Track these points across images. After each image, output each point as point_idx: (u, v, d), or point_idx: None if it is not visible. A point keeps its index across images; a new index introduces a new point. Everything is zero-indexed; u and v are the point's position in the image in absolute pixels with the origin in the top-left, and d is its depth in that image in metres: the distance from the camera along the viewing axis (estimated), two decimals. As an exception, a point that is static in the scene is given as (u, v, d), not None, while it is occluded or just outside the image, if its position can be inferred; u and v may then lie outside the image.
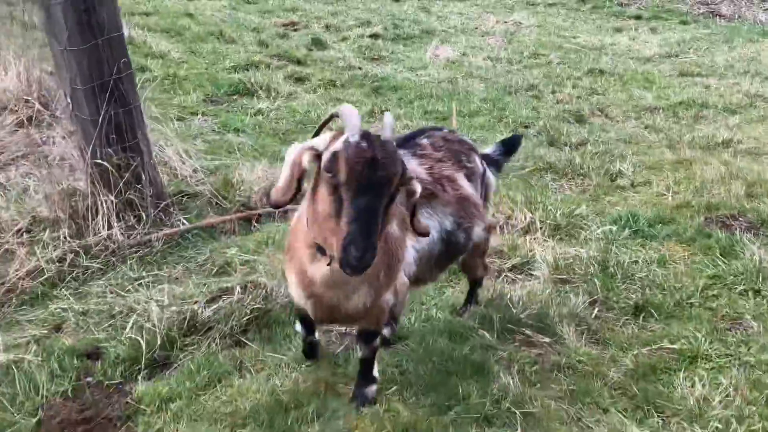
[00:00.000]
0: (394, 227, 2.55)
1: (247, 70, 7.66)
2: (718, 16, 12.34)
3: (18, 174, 4.57)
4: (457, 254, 3.06)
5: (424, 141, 3.01)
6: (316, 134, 2.38)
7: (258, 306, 3.46)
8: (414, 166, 2.79)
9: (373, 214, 2.01)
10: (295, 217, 2.58)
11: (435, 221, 2.80)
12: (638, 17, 12.42)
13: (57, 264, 3.88)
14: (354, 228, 1.97)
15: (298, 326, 3.14)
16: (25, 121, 5.38)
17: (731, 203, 4.77)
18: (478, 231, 3.05)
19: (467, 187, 2.97)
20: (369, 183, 2.00)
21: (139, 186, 4.27)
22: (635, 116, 7.06)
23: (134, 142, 4.22)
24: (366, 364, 2.93)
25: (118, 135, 4.14)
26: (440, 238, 2.84)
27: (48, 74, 5.69)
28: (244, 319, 3.40)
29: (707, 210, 4.71)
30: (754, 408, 2.95)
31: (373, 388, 2.96)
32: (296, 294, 2.59)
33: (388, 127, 2.20)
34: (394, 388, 3.01)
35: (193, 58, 8.03)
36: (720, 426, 2.84)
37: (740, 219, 4.60)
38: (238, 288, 3.54)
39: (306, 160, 2.16)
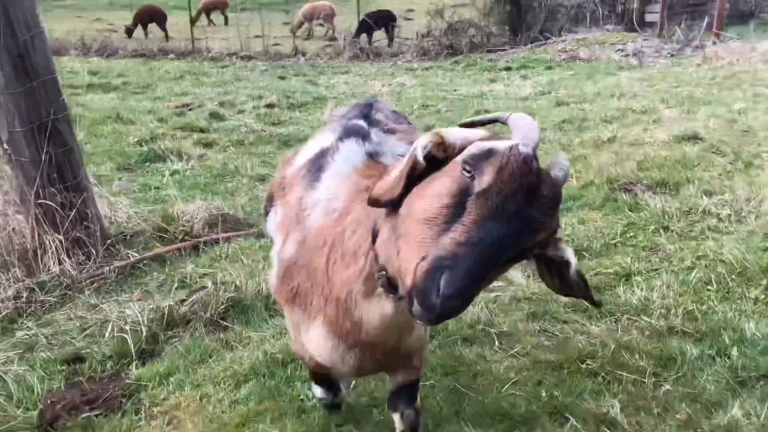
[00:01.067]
0: None
1: (154, 141, 7.96)
2: (577, 60, 13.97)
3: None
4: None
5: (380, 116, 2.52)
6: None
7: (231, 295, 3.73)
8: (394, 143, 2.24)
9: (500, 252, 1.45)
10: (310, 240, 2.03)
11: None
12: (508, 68, 13.83)
13: (13, 301, 3.97)
14: (468, 253, 1.41)
15: (318, 390, 2.59)
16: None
17: (628, 175, 5.55)
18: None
19: None
20: (516, 211, 1.45)
21: (85, 223, 4.47)
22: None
23: (76, 181, 4.45)
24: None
25: (59, 175, 4.36)
26: None
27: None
28: (221, 307, 3.66)
29: (609, 183, 5.45)
30: (686, 297, 3.53)
31: None
32: (322, 349, 2.05)
33: (562, 167, 1.60)
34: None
35: (95, 139, 8.23)
36: (662, 311, 3.40)
37: (638, 185, 5.36)
38: (210, 283, 3.80)
39: (421, 147, 1.61)
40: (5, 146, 4.29)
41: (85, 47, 15.48)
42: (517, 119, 1.66)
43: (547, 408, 2.74)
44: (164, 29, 18.71)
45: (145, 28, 18.64)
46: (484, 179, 1.47)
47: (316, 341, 2.04)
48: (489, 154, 1.50)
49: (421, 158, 1.59)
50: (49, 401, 2.96)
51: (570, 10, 16.30)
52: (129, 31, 18.18)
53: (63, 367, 3.28)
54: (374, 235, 1.74)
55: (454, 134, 1.64)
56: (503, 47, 15.84)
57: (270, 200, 2.46)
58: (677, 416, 2.62)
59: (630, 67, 12.89)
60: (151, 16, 18.66)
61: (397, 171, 1.67)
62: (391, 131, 2.29)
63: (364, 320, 1.84)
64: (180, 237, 4.87)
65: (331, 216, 1.97)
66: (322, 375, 2.37)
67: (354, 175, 2.02)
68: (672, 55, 13.79)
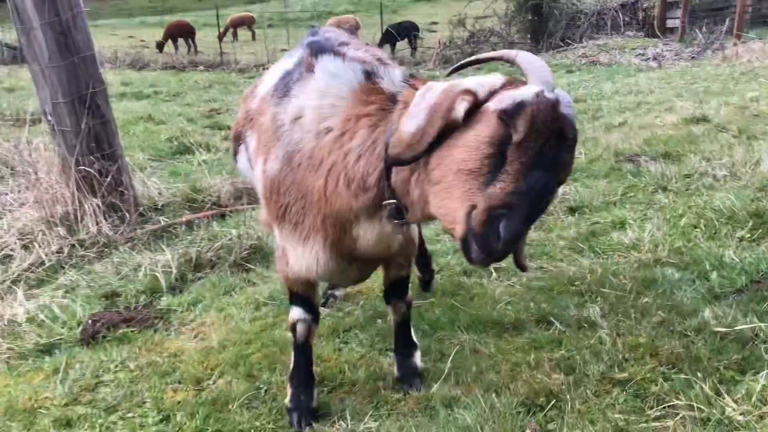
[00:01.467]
0: None
1: (184, 137, 8.43)
2: (598, 64, 14.25)
3: (9, 188, 5.10)
4: None
5: (330, 34, 2.49)
6: (453, 72, 2.13)
7: (253, 243, 4.10)
8: (355, 54, 2.26)
9: (546, 196, 1.66)
10: (302, 169, 2.12)
11: None
12: (529, 73, 14.16)
13: (56, 255, 4.40)
14: (520, 201, 1.59)
15: (297, 311, 2.52)
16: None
17: (633, 149, 5.83)
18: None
19: None
20: (554, 155, 1.64)
21: (120, 189, 4.89)
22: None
23: (111, 151, 4.89)
24: (404, 326, 2.70)
25: (97, 144, 4.80)
26: None
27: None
28: (244, 252, 4.03)
29: (615, 155, 5.74)
30: (675, 237, 3.81)
31: (418, 354, 2.73)
32: (316, 265, 2.21)
33: (568, 105, 1.70)
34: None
35: (127, 136, 8.73)
36: (650, 246, 3.68)
37: (642, 156, 5.64)
38: (233, 231, 4.18)
39: (462, 108, 1.71)
40: (49, 117, 4.75)
41: (118, 61, 16.25)
42: (527, 60, 1.77)
43: (535, 316, 3.05)
44: (194, 43, 19.47)
45: (175, 42, 19.41)
46: (520, 129, 1.60)
47: (309, 257, 2.20)
48: (520, 107, 1.62)
49: (460, 117, 1.71)
50: (90, 320, 3.34)
51: (591, 18, 16.60)
52: (160, 46, 18.97)
53: (101, 301, 3.67)
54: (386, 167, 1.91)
55: (482, 86, 1.75)
56: (525, 55, 16.17)
57: (237, 138, 2.56)
58: (653, 319, 2.90)
59: (649, 69, 13.13)
60: (180, 31, 19.47)
61: (414, 126, 1.76)
62: (345, 44, 2.34)
63: (362, 237, 2.08)
64: (208, 206, 5.28)
65: (325, 136, 2.06)
66: (301, 295, 2.46)
67: (351, 95, 2.06)
68: (693, 58, 13.98)
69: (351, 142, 2.02)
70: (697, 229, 3.88)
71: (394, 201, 1.95)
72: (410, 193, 1.91)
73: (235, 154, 2.63)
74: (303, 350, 2.54)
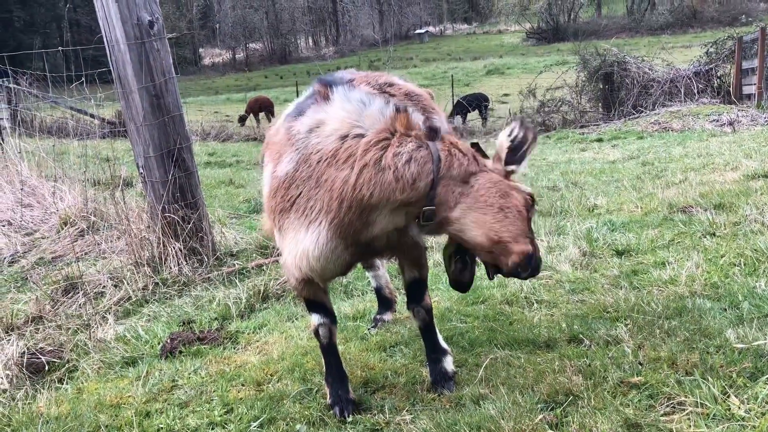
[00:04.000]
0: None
1: (260, 196, 9.10)
2: (670, 130, 14.37)
3: (104, 238, 5.77)
4: None
5: (338, 75, 2.97)
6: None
7: (315, 278, 4.54)
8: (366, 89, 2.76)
9: None
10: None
11: None
12: (600, 140, 14.41)
13: (141, 291, 4.96)
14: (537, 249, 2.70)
15: (315, 317, 2.93)
16: (85, 228, 6.65)
17: (688, 201, 6.03)
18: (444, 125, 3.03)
19: (409, 84, 3.08)
20: None
21: (200, 235, 5.47)
22: (604, 185, 8.49)
23: (194, 200, 5.50)
24: (429, 331, 3.03)
25: (181, 194, 5.42)
26: None
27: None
28: (304, 286, 4.46)
29: (669, 207, 5.95)
30: (713, 273, 4.01)
31: (449, 360, 3.03)
32: (316, 246, 2.53)
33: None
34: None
35: (209, 198, 9.49)
36: (687, 281, 3.90)
37: (696, 207, 5.83)
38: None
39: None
40: (141, 170, 5.42)
41: (204, 133, 17.53)
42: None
43: (567, 336, 3.32)
44: (273, 116, 20.73)
45: (256, 116, 20.71)
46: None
47: (309, 239, 2.51)
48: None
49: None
50: (168, 339, 3.82)
51: (663, 86, 16.79)
52: (242, 119, 20.32)
53: (179, 326, 4.16)
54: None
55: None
56: (596, 123, 16.46)
57: (262, 163, 2.92)
58: (677, 339, 3.12)
59: (723, 134, 13.17)
60: (260, 106, 20.79)
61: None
62: (352, 81, 2.82)
63: (377, 222, 2.51)
64: (277, 252, 5.78)
65: (353, 139, 2.47)
66: (314, 301, 2.86)
67: (384, 118, 2.50)
68: (768, 123, 13.92)
69: (399, 147, 2.47)
70: (736, 267, 4.06)
71: (433, 207, 2.48)
72: (449, 208, 2.51)
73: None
74: (330, 350, 2.94)
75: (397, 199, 2.46)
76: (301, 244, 2.56)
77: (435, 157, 2.48)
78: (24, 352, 3.69)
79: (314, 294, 2.84)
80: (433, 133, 2.54)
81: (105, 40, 5.24)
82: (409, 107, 2.61)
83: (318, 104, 2.59)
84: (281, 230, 2.64)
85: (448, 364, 3.02)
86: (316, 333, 2.92)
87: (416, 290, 2.98)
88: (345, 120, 2.52)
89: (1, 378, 3.43)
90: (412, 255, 2.87)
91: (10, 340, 3.80)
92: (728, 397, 2.54)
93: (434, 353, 3.02)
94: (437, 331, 3.10)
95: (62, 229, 6.61)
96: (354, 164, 2.45)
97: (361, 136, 2.49)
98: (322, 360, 2.98)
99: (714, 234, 4.93)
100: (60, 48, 6.24)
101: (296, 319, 4.09)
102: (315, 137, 2.53)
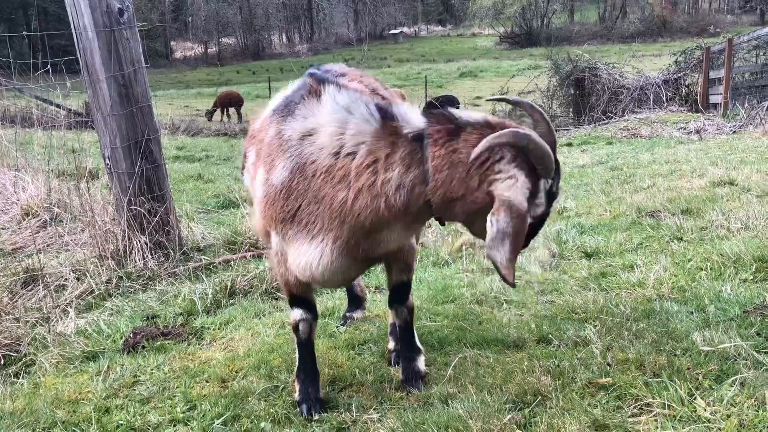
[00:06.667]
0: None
1: (230, 193, 8.99)
2: (639, 137, 14.55)
3: (67, 230, 5.63)
4: None
5: (330, 68, 3.01)
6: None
7: (284, 275, 4.48)
8: (355, 86, 2.78)
9: None
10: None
11: None
12: (570, 144, 14.53)
13: (105, 285, 4.85)
14: None
15: (298, 313, 2.89)
16: (48, 220, 6.49)
17: (656, 206, 6.09)
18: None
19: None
20: None
21: (166, 229, 5.37)
22: (573, 188, 8.55)
23: (161, 193, 5.40)
24: (407, 331, 3.02)
25: (148, 187, 5.32)
26: None
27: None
28: (275, 282, 4.40)
29: (637, 211, 6.00)
30: (680, 277, 4.05)
31: (422, 359, 3.03)
32: (320, 261, 2.52)
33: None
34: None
35: (177, 193, 9.33)
36: (655, 284, 3.93)
37: (663, 212, 5.89)
38: (266, 264, 4.57)
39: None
40: (107, 160, 5.30)
41: (173, 127, 17.30)
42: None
43: (536, 337, 3.31)
44: (239, 112, 20.53)
45: (225, 111, 20.50)
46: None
47: (312, 253, 2.50)
48: None
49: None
50: (131, 333, 3.74)
51: (633, 93, 17.01)
52: (210, 113, 20.09)
53: (143, 321, 4.07)
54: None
55: None
56: (567, 127, 16.60)
57: (245, 156, 2.90)
58: (644, 341, 3.13)
59: (690, 142, 13.37)
60: (230, 101, 20.58)
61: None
62: (343, 75, 2.82)
63: (386, 240, 2.50)
64: (246, 248, 5.70)
65: (346, 159, 2.41)
66: (300, 296, 2.81)
67: (372, 133, 2.41)
68: (734, 132, 14.17)
69: (386, 173, 2.38)
70: (703, 271, 4.10)
71: (439, 215, 2.46)
72: (454, 215, 2.44)
73: (243, 169, 2.99)
74: (307, 347, 2.89)
75: (397, 222, 2.45)
76: (304, 257, 2.54)
77: (427, 174, 2.35)
78: (-21, 345, 3.57)
79: (303, 291, 2.81)
80: (419, 140, 2.39)
81: (72, 26, 5.11)
82: (393, 107, 2.49)
83: (308, 102, 2.52)
84: (285, 238, 2.60)
85: (421, 363, 3.00)
86: (296, 328, 2.88)
87: (402, 292, 2.95)
88: (335, 135, 2.44)
89: (-45, 371, 3.31)
90: (406, 259, 2.85)
91: (-35, 332, 3.67)
92: (695, 398, 2.54)
93: (409, 352, 3.00)
94: (414, 330, 3.07)
95: (23, 220, 6.44)
96: (350, 186, 2.41)
97: (353, 155, 2.42)
98: (293, 356, 2.94)
99: (681, 238, 4.98)
100: (24, 32, 6.07)
101: (263, 315, 4.03)
102: (308, 146, 2.47)
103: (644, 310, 3.53)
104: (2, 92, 10.10)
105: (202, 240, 5.96)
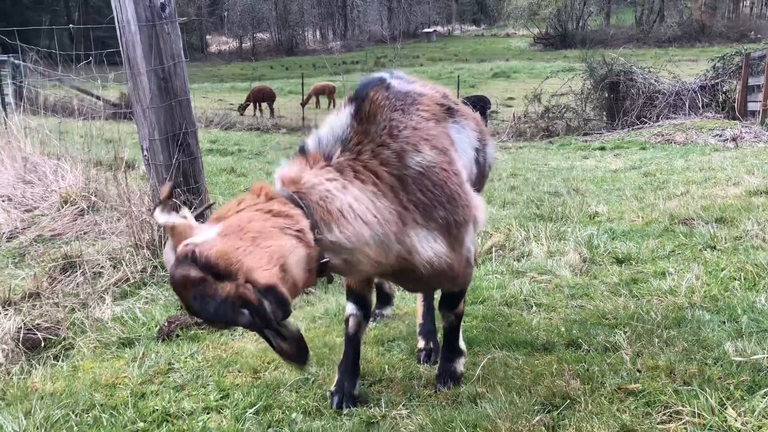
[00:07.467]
0: (420, 155, 2.38)
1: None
2: (673, 142, 14.38)
3: (104, 219, 5.76)
4: (483, 180, 3.02)
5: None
6: None
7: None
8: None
9: None
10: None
11: (465, 136, 2.71)
12: (602, 148, 14.42)
13: (140, 273, 4.95)
14: None
15: (350, 306, 2.95)
16: (85, 208, 6.64)
17: (690, 214, 6.03)
18: (491, 151, 3.05)
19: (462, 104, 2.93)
20: None
21: (201, 221, 5.44)
22: (605, 193, 8.49)
23: (196, 186, 5.48)
24: (450, 334, 2.98)
25: (184, 179, 5.40)
26: (474, 157, 2.76)
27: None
28: (306, 277, 4.45)
29: (671, 219, 5.95)
30: (713, 285, 4.02)
31: (461, 361, 3.02)
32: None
33: None
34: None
35: (210, 185, 9.47)
36: (687, 292, 3.91)
37: (697, 220, 5.83)
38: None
39: None
40: (145, 152, 5.40)
41: (207, 120, 17.50)
42: None
43: (565, 340, 3.32)
44: (272, 108, 20.74)
45: (256, 106, 20.70)
46: None
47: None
48: None
49: None
50: (166, 322, 3.82)
51: (669, 98, 16.80)
52: (242, 108, 20.29)
53: (177, 310, 4.15)
54: None
55: None
56: (599, 131, 16.47)
57: None
58: (675, 349, 3.13)
59: (725, 150, 13.18)
60: (262, 96, 20.78)
61: None
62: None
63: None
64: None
65: None
66: (355, 292, 2.86)
67: None
68: (772, 140, 13.93)
69: None
70: (736, 281, 4.07)
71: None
72: None
73: None
74: (352, 342, 2.93)
75: None
76: None
77: None
78: (20, 328, 3.68)
79: (360, 287, 2.87)
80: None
81: (116, 20, 5.21)
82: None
83: None
84: None
85: (459, 365, 3.02)
86: (346, 322, 2.94)
87: (452, 299, 2.91)
88: None
89: (-2, 352, 3.42)
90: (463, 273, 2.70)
91: (7, 314, 3.79)
92: (725, 408, 2.54)
93: (449, 353, 3.01)
94: (460, 333, 3.07)
95: (62, 207, 6.59)
96: None
97: None
98: (323, 350, 2.99)
99: (715, 247, 4.93)
100: (71, 25, 6.20)
101: (295, 308, 4.08)
102: None
103: (675, 318, 3.52)
104: (44, 82, 10.32)
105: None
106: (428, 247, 2.35)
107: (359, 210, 2.23)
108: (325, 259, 2.18)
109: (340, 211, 2.22)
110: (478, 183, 2.86)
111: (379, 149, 2.35)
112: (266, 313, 1.86)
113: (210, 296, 1.86)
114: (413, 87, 2.64)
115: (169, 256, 2.07)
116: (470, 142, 2.74)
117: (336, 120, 2.42)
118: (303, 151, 2.37)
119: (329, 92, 24.59)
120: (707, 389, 2.65)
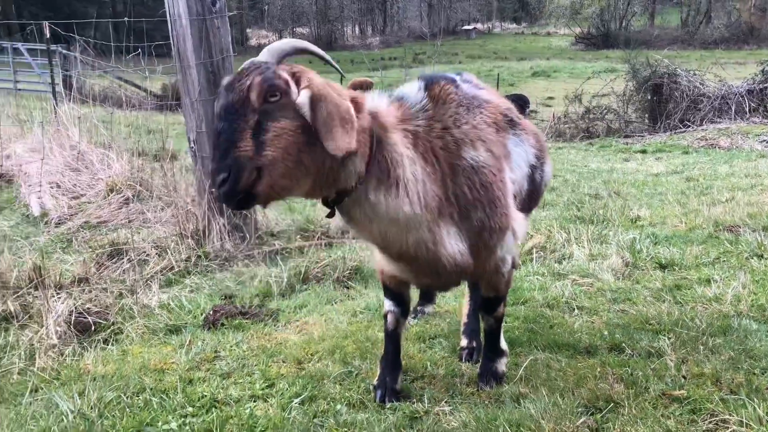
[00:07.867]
0: (475, 152, 2.45)
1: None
2: (717, 147, 14.13)
3: (149, 208, 5.89)
4: (537, 198, 3.02)
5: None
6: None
7: (355, 264, 4.60)
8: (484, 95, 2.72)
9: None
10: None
11: (522, 150, 2.74)
12: (644, 151, 14.22)
13: (184, 262, 5.05)
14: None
15: (387, 303, 2.96)
16: (130, 197, 6.79)
17: (735, 221, 5.95)
18: (548, 169, 3.03)
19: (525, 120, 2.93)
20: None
21: (243, 213, 5.54)
22: (647, 197, 8.39)
23: (241, 178, 5.56)
24: (491, 336, 3.02)
25: (229, 171, 5.48)
26: (528, 173, 2.79)
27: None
28: (347, 271, 4.52)
29: (715, 225, 5.87)
30: (760, 294, 3.97)
31: (503, 361, 3.05)
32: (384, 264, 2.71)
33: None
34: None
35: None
36: (733, 300, 3.87)
37: (743, 227, 5.74)
38: (339, 252, 4.69)
39: None
40: (192, 144, 5.51)
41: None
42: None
43: (608, 344, 3.32)
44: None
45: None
46: None
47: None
48: None
49: None
50: (212, 310, 3.91)
51: (714, 101, 16.49)
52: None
53: (221, 300, 4.24)
54: None
55: None
56: (641, 134, 16.24)
57: None
58: (721, 357, 3.10)
59: (773, 156, 12.91)
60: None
61: None
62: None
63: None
64: (318, 236, 5.84)
65: None
66: (392, 290, 2.89)
67: None
68: (822, 147, 13.61)
69: None
70: (785, 291, 4.01)
71: None
72: None
73: None
74: (391, 338, 2.98)
75: None
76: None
77: None
78: (72, 311, 3.80)
79: (396, 285, 2.89)
80: None
81: (168, 14, 5.33)
82: None
83: None
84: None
85: (501, 365, 3.04)
86: (385, 317, 2.98)
87: (490, 304, 2.94)
88: None
89: (52, 333, 3.54)
90: (490, 279, 2.81)
91: (60, 297, 3.91)
92: (773, 418, 2.52)
93: (491, 353, 3.04)
94: (501, 334, 3.09)
95: (108, 195, 6.75)
96: None
97: None
98: (365, 344, 3.03)
99: (762, 256, 4.86)
100: (126, 18, 6.36)
101: (335, 302, 4.14)
102: None
103: (721, 326, 3.49)
104: (92, 73, 10.55)
105: (276, 225, 6.13)
106: (454, 243, 2.42)
107: (411, 187, 2.31)
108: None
109: (397, 180, 2.30)
110: (531, 200, 2.92)
111: (444, 132, 2.46)
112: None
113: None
114: (481, 93, 2.74)
115: None
116: (526, 158, 2.77)
117: (414, 89, 2.60)
118: (397, 98, 2.56)
119: (367, 88, 24.58)
120: (755, 399, 2.64)
